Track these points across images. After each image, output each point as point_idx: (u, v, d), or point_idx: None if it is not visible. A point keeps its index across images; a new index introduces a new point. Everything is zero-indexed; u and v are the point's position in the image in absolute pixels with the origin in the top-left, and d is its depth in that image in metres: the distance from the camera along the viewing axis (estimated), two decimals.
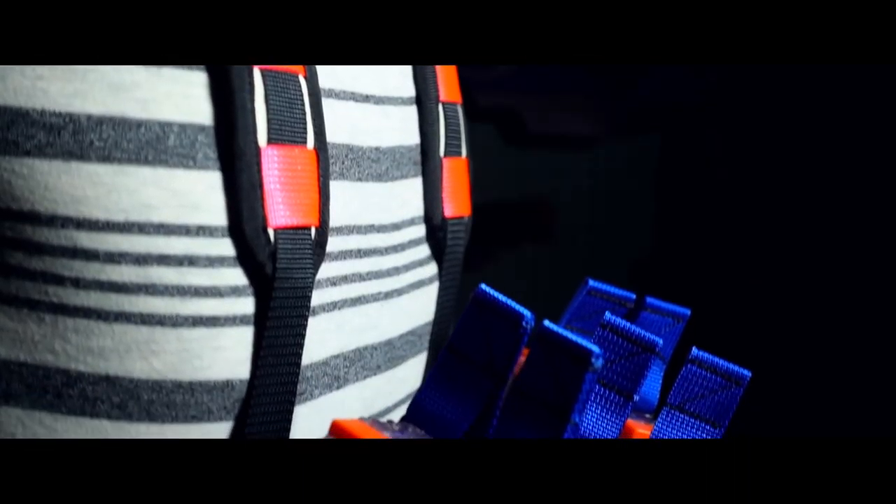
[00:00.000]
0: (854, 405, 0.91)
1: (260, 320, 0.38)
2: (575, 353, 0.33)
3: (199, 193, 0.36)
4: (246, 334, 0.38)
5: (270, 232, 0.38)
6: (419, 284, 0.48)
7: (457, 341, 0.36)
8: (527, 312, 0.35)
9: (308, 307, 0.39)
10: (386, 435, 0.35)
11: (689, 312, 0.48)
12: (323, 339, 0.42)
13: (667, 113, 1.04)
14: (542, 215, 1.07)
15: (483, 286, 0.36)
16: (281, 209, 0.38)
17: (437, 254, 0.50)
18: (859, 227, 0.92)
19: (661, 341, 0.40)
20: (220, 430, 0.38)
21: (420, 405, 0.37)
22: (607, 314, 0.41)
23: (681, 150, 1.04)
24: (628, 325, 0.40)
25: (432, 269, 0.50)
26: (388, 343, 0.46)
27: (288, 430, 0.39)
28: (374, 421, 0.36)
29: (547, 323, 0.34)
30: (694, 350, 0.41)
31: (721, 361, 0.41)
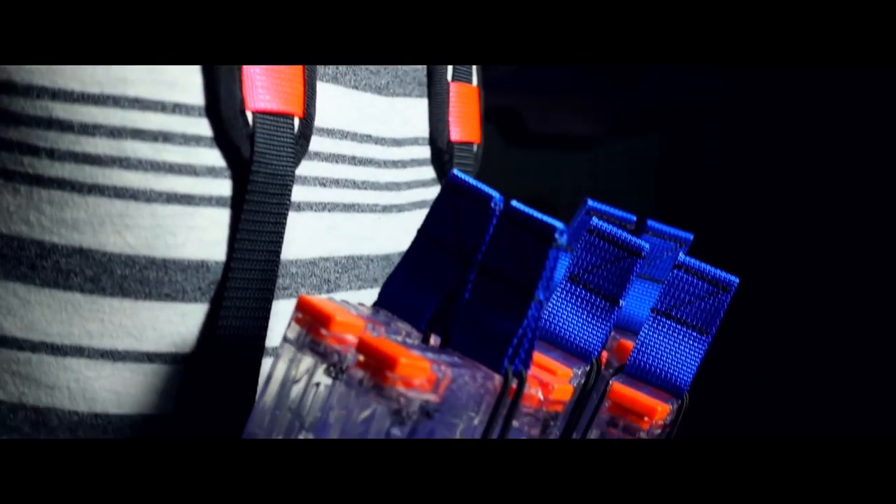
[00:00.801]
0: (853, 405, 0.89)
1: (237, 204, 0.37)
2: (538, 229, 0.32)
3: (176, 71, 0.36)
4: (222, 216, 0.37)
5: (249, 115, 0.37)
6: (422, 205, 0.47)
7: (428, 226, 0.35)
8: (495, 194, 0.34)
9: (288, 196, 0.38)
10: (355, 314, 0.34)
11: (691, 237, 0.47)
12: (310, 237, 0.41)
13: (667, 113, 1.04)
14: None
15: (455, 171, 0.36)
16: (261, 93, 0.38)
17: (443, 178, 0.49)
18: (860, 226, 0.91)
19: (647, 246, 0.39)
20: (194, 310, 0.37)
21: (390, 289, 0.35)
22: (594, 219, 0.39)
23: (681, 150, 1.04)
24: (615, 229, 0.39)
25: (437, 192, 0.49)
26: (387, 258, 0.45)
27: (266, 318, 0.38)
28: (344, 301, 0.35)
29: (514, 203, 0.34)
30: (681, 255, 0.40)
31: (708, 267, 0.40)
